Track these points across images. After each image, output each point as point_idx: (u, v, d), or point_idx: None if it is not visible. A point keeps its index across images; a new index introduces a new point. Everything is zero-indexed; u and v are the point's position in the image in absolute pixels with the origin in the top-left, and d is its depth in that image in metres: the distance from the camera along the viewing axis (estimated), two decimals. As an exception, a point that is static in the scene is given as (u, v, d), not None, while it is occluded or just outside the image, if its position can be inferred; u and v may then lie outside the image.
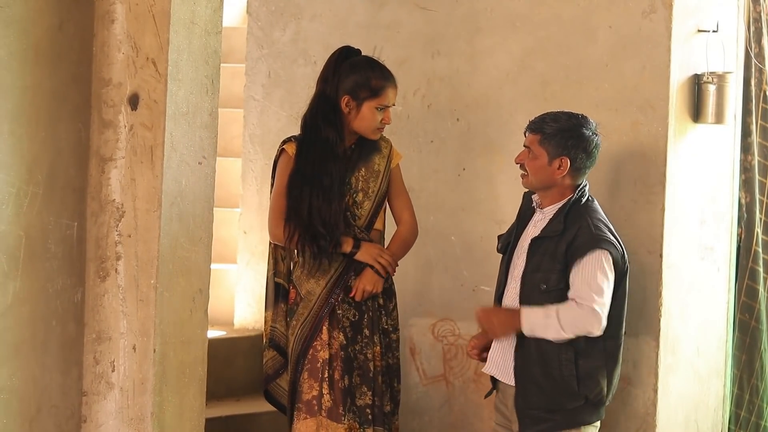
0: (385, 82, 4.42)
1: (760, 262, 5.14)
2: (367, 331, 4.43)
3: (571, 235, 4.14)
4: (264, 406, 5.03)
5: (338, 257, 4.42)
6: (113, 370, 3.89)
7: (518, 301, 4.21)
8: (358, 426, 4.36)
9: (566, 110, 4.30)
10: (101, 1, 3.89)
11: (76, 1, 3.84)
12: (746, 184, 5.15)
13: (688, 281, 4.91)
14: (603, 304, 4.08)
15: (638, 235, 4.78)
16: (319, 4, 5.59)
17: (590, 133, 4.22)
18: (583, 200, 4.23)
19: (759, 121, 5.14)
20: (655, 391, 4.75)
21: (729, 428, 5.19)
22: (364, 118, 4.41)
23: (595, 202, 4.29)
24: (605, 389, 4.17)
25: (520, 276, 4.23)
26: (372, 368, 4.42)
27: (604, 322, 4.09)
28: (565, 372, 4.11)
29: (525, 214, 4.37)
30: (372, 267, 4.43)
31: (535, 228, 4.27)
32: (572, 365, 4.11)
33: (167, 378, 3.89)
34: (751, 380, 5.16)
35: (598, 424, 4.25)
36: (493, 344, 4.33)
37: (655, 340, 4.74)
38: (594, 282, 4.08)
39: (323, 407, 4.36)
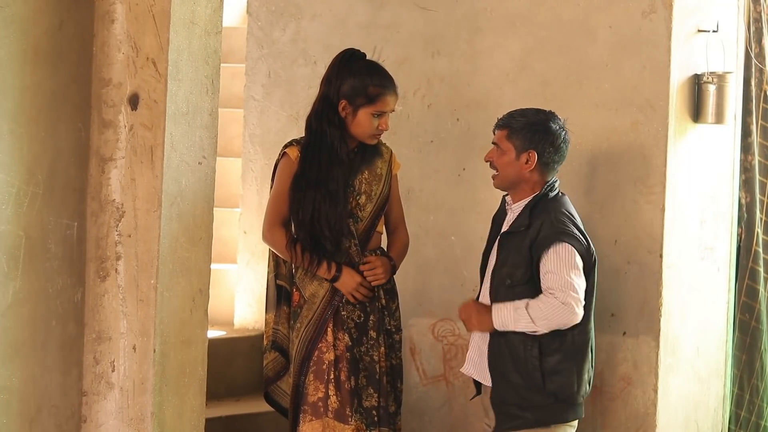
0: (383, 90, 4.38)
1: (761, 262, 5.14)
2: (373, 333, 4.42)
3: (536, 230, 4.17)
4: (264, 406, 5.02)
5: (341, 256, 4.42)
6: (113, 370, 3.89)
7: (488, 297, 4.25)
8: (365, 427, 4.35)
9: (534, 107, 4.32)
10: (101, 1, 3.89)
11: (76, 1, 3.84)
12: (746, 184, 5.15)
13: (688, 281, 4.91)
14: (576, 297, 4.09)
15: (638, 235, 4.78)
16: (319, 4, 5.59)
17: (557, 128, 4.23)
18: (551, 195, 4.24)
19: (759, 121, 5.14)
20: (655, 391, 4.75)
21: (729, 428, 5.19)
22: (360, 124, 4.39)
23: (565, 197, 4.30)
24: (575, 385, 4.17)
25: (491, 272, 4.27)
26: (378, 370, 4.41)
27: (579, 312, 4.10)
28: (531, 368, 4.14)
29: (499, 217, 4.40)
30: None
31: (506, 226, 4.30)
32: (537, 361, 4.13)
33: (167, 378, 3.89)
34: (751, 380, 5.16)
35: (575, 423, 4.25)
36: (470, 344, 4.37)
37: (655, 340, 4.74)
38: (563, 274, 4.09)
39: (330, 409, 4.36)
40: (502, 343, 4.19)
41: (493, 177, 4.31)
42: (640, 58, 4.80)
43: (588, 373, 4.23)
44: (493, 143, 4.30)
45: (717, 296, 5.11)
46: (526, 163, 4.21)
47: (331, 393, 4.36)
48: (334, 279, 4.39)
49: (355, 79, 4.36)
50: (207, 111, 3.99)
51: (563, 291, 4.08)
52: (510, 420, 4.19)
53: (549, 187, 4.25)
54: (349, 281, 4.39)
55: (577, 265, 4.12)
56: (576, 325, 4.15)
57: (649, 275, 4.76)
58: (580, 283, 4.12)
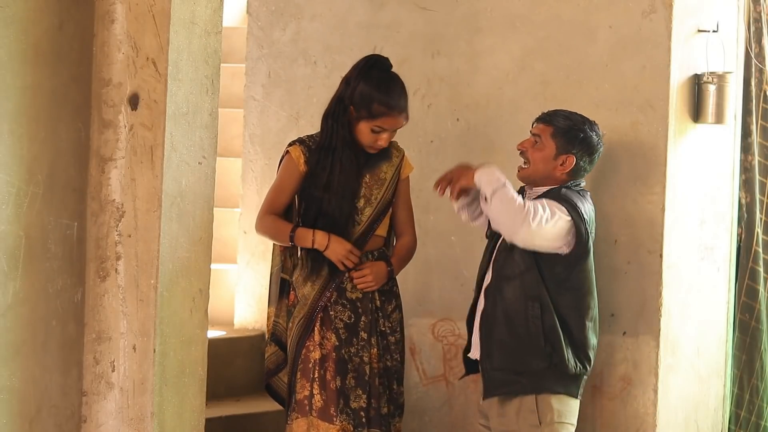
0: (387, 110, 4.37)
1: (761, 262, 5.14)
2: (364, 334, 4.42)
3: None
4: (264, 406, 5.04)
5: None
6: (113, 370, 3.89)
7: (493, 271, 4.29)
8: (352, 428, 4.36)
9: (577, 112, 4.38)
10: (101, 1, 3.89)
11: (76, 1, 3.84)
12: (746, 184, 5.15)
13: (688, 281, 4.91)
14: (537, 214, 4.11)
15: (638, 235, 4.78)
16: (319, 4, 5.59)
17: (598, 139, 4.34)
18: (563, 190, 4.27)
19: (759, 121, 5.14)
20: (655, 391, 4.75)
21: (729, 428, 5.19)
22: (360, 132, 4.42)
23: (587, 193, 4.34)
24: (564, 352, 4.18)
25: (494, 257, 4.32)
26: (368, 371, 4.41)
27: (531, 223, 4.11)
28: (532, 327, 4.16)
29: None
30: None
31: None
32: (539, 320, 4.16)
33: (167, 378, 3.89)
34: (751, 380, 5.16)
35: (574, 408, 4.25)
36: (475, 328, 4.38)
37: (655, 340, 4.74)
38: (543, 204, 4.14)
39: (314, 407, 4.37)
40: (498, 307, 4.22)
41: (521, 168, 4.33)
42: (640, 58, 4.80)
43: (581, 349, 4.22)
44: (532, 134, 4.30)
45: (717, 296, 5.11)
46: (562, 165, 4.25)
47: (315, 392, 4.37)
48: (325, 248, 4.40)
49: (365, 90, 4.38)
50: (207, 111, 3.99)
51: (535, 207, 4.12)
52: (502, 385, 4.20)
53: (572, 184, 4.28)
54: (338, 248, 4.38)
55: (560, 212, 4.14)
56: (567, 299, 4.19)
57: (649, 275, 4.75)
58: (550, 223, 4.13)
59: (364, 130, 4.40)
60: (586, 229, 4.21)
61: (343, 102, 4.41)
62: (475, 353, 4.39)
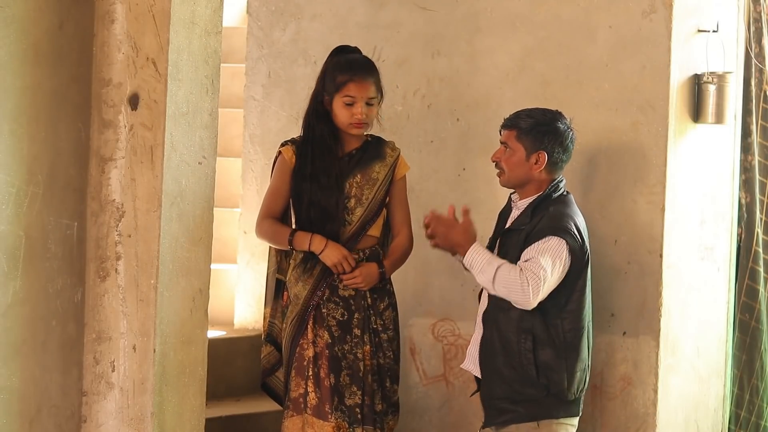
0: (350, 76, 4.39)
1: (761, 262, 5.14)
2: (357, 331, 4.43)
3: (533, 227, 4.19)
4: (264, 406, 5.04)
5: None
6: (113, 370, 3.89)
7: (489, 296, 4.27)
8: (347, 425, 4.37)
9: (539, 107, 4.34)
10: (101, 1, 3.90)
11: (76, 1, 3.84)
12: (746, 184, 5.15)
13: (688, 281, 4.91)
14: (538, 287, 4.09)
15: (638, 235, 4.78)
16: (319, 4, 5.59)
17: (565, 127, 4.27)
18: (555, 195, 4.25)
19: (759, 121, 5.14)
20: (655, 391, 4.75)
21: (729, 428, 5.19)
22: (336, 115, 4.44)
23: (570, 196, 4.31)
24: (565, 381, 4.17)
25: None
26: (362, 368, 4.42)
27: (532, 300, 4.10)
28: (525, 360, 4.15)
29: (505, 214, 4.42)
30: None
31: (509, 223, 4.33)
32: (531, 354, 4.14)
33: (167, 378, 3.89)
34: (751, 380, 5.16)
35: (575, 422, 4.25)
36: (472, 340, 4.38)
37: (655, 340, 4.74)
38: (543, 261, 4.10)
39: (309, 405, 4.39)
40: (495, 338, 4.20)
41: (499, 176, 4.32)
42: (640, 58, 4.80)
43: (581, 372, 4.22)
44: (501, 143, 4.30)
45: (717, 296, 5.11)
46: (536, 163, 4.23)
47: (310, 390, 4.39)
48: (321, 251, 4.41)
49: (329, 70, 4.44)
50: (207, 111, 3.99)
51: (534, 275, 4.08)
52: (501, 414, 4.20)
53: (553, 187, 4.26)
54: (334, 253, 4.39)
55: (558, 258, 4.12)
56: (569, 323, 4.17)
57: (649, 275, 4.76)
58: (552, 279, 4.12)
59: (337, 110, 4.41)
60: (581, 246, 4.19)
61: (318, 97, 4.45)
62: (467, 364, 4.40)
